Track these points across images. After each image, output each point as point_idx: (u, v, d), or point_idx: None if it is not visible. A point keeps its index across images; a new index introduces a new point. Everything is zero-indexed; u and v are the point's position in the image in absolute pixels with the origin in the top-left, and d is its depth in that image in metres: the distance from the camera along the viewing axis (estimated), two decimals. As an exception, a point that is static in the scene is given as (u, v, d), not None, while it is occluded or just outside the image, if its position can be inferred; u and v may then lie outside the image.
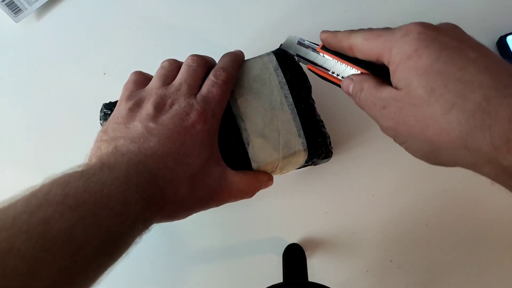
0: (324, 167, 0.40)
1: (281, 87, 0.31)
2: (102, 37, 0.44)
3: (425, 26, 0.22)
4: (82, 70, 0.43)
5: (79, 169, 0.23)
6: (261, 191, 0.39)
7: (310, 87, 0.33)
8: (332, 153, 0.34)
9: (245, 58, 0.34)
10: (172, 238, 0.39)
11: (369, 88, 0.25)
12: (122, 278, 0.39)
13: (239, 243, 0.39)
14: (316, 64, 0.29)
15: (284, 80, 0.31)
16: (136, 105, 0.28)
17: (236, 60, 0.32)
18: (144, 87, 0.31)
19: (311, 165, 0.36)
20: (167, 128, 0.26)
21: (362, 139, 0.40)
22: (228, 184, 0.29)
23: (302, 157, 0.32)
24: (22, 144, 0.41)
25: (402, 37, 0.22)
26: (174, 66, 0.31)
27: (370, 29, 0.25)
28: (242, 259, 0.39)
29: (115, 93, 0.31)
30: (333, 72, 0.28)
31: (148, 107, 0.28)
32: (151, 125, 0.27)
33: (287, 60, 0.32)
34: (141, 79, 0.31)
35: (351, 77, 0.26)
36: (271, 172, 0.33)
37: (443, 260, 0.39)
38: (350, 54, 0.26)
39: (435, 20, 0.43)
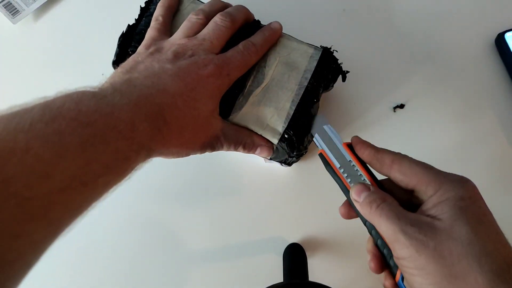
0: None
1: (300, 86, 0.32)
2: (99, 37, 0.43)
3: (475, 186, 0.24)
4: (80, 71, 0.43)
5: (91, 89, 0.24)
6: (261, 190, 0.39)
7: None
8: (302, 153, 0.34)
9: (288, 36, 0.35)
10: (172, 238, 0.39)
11: (394, 203, 0.24)
12: (123, 278, 0.39)
13: (239, 243, 0.39)
14: (330, 154, 0.28)
15: (306, 83, 0.33)
16: (156, 51, 0.30)
17: (271, 40, 0.33)
18: (168, 37, 0.32)
19: (282, 162, 0.36)
20: (182, 71, 0.28)
21: (363, 138, 0.40)
22: (224, 136, 0.31)
23: (270, 137, 0.32)
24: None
25: (458, 181, 0.23)
26: (201, 22, 0.32)
27: (416, 160, 0.26)
28: (243, 259, 0.39)
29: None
30: (343, 171, 0.27)
31: (168, 53, 0.29)
32: (168, 66, 0.28)
33: (328, 63, 0.34)
34: (166, 29, 0.33)
35: (367, 185, 0.26)
36: None
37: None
38: (384, 168, 0.26)
39: (434, 18, 0.43)
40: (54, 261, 0.39)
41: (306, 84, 0.32)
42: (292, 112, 0.32)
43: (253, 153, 0.33)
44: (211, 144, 0.31)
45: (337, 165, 0.28)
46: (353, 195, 0.26)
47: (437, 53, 0.42)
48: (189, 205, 0.40)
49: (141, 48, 0.31)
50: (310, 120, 0.33)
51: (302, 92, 0.32)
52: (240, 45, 0.31)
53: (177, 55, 0.29)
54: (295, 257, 0.37)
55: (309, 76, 0.33)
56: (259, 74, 0.33)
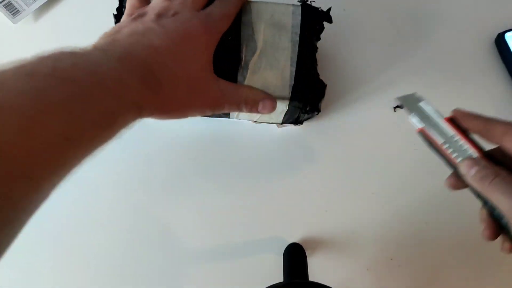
0: (325, 165, 0.40)
1: (293, 42, 0.33)
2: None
3: None
4: (81, 71, 0.43)
5: (70, 49, 0.22)
6: (261, 189, 0.39)
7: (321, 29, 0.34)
8: (318, 111, 0.35)
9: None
10: (172, 238, 0.39)
11: (508, 177, 0.23)
12: (123, 278, 0.39)
13: (240, 243, 0.39)
14: (431, 131, 0.27)
15: (298, 38, 0.33)
16: (139, 16, 0.29)
17: None
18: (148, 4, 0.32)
19: (295, 122, 0.36)
20: (169, 29, 0.27)
21: (363, 138, 0.40)
22: (224, 95, 0.31)
23: (279, 100, 0.32)
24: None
25: None
26: None
27: None
28: (243, 259, 0.39)
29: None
30: (448, 147, 0.26)
31: (150, 15, 0.29)
32: (153, 25, 0.27)
33: (311, 14, 0.34)
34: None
35: (476, 160, 0.25)
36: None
37: (443, 258, 0.39)
38: (495, 139, 0.25)
39: (434, 18, 0.43)
40: (52, 260, 0.39)
41: (297, 39, 0.33)
42: (294, 70, 0.32)
43: (257, 110, 0.32)
44: (211, 105, 0.30)
45: (441, 140, 0.27)
46: (463, 171, 0.25)
47: (437, 53, 0.42)
48: (189, 205, 0.40)
49: (124, 17, 0.31)
50: (314, 71, 0.33)
51: (297, 48, 0.33)
52: (217, 0, 0.31)
53: (160, 15, 0.29)
54: (295, 257, 0.37)
55: (298, 31, 0.33)
56: (250, 43, 0.33)
